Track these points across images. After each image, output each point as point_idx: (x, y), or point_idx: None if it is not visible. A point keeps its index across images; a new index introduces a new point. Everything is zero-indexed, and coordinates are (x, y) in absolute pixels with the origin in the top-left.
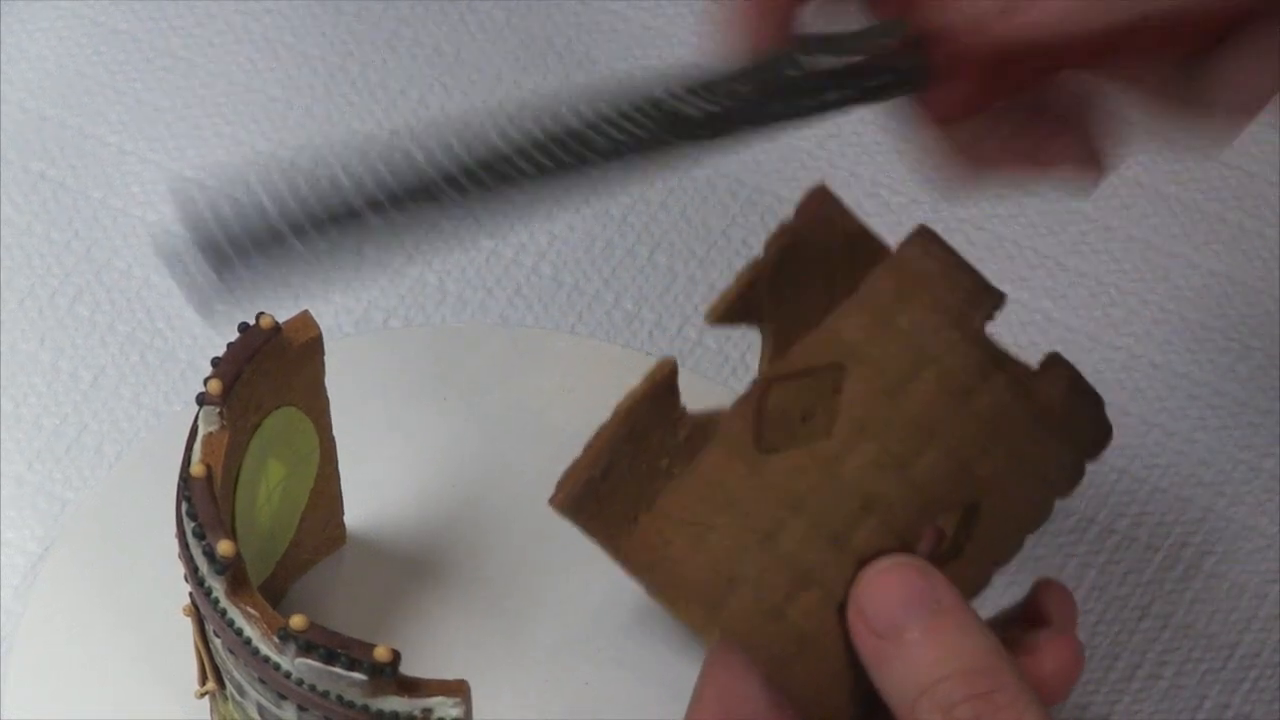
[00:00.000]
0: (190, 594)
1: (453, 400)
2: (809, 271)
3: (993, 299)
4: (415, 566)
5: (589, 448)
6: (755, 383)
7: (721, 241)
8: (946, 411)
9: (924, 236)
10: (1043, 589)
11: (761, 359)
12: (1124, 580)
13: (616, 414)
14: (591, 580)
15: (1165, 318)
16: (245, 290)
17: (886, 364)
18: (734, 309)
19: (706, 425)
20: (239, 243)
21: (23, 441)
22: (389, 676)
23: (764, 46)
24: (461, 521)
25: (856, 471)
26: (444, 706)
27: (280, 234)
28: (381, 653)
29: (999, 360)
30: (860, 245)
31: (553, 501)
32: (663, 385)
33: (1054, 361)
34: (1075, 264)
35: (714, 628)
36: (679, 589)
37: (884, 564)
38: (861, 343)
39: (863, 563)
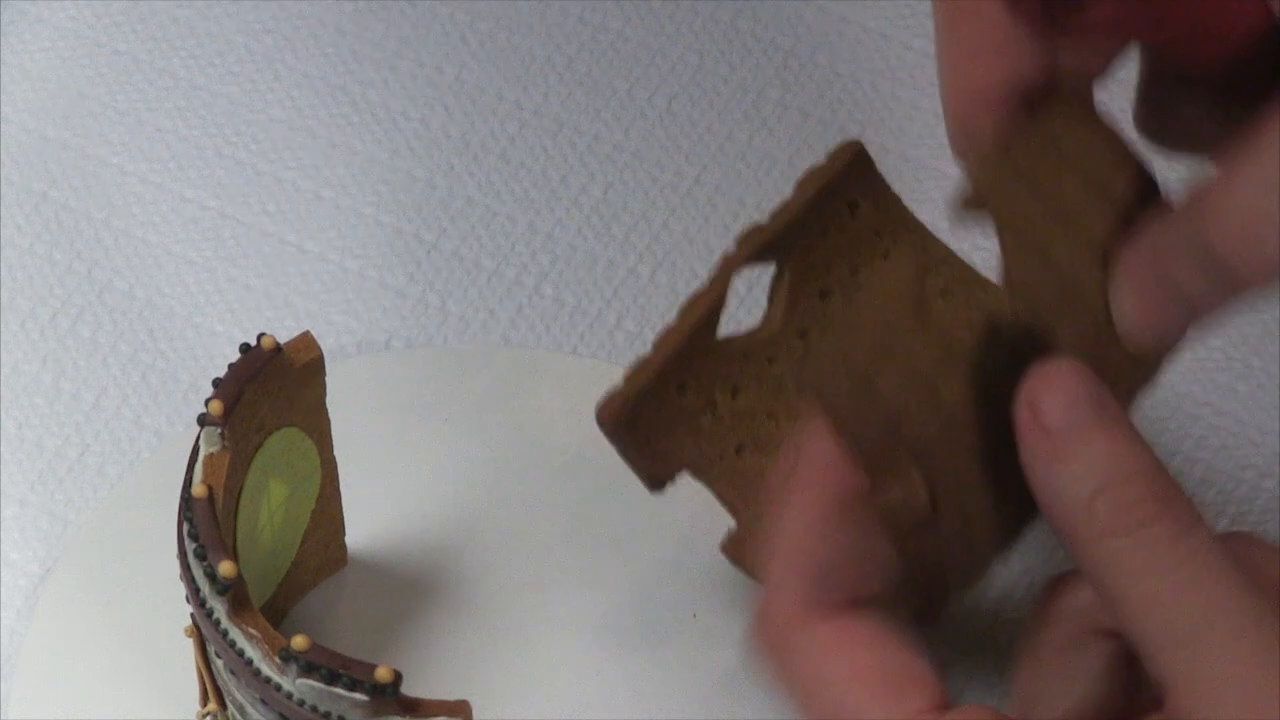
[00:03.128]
0: (192, 614)
1: (455, 421)
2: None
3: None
4: (417, 587)
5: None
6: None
7: None
8: (1092, 281)
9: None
10: None
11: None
12: None
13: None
14: (593, 600)
15: None
16: None
17: (1030, 222)
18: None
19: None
20: None
21: (25, 462)
22: (391, 697)
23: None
24: (463, 542)
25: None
26: None
27: None
28: (383, 673)
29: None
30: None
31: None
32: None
33: None
34: None
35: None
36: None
37: (1059, 364)
38: (1003, 200)
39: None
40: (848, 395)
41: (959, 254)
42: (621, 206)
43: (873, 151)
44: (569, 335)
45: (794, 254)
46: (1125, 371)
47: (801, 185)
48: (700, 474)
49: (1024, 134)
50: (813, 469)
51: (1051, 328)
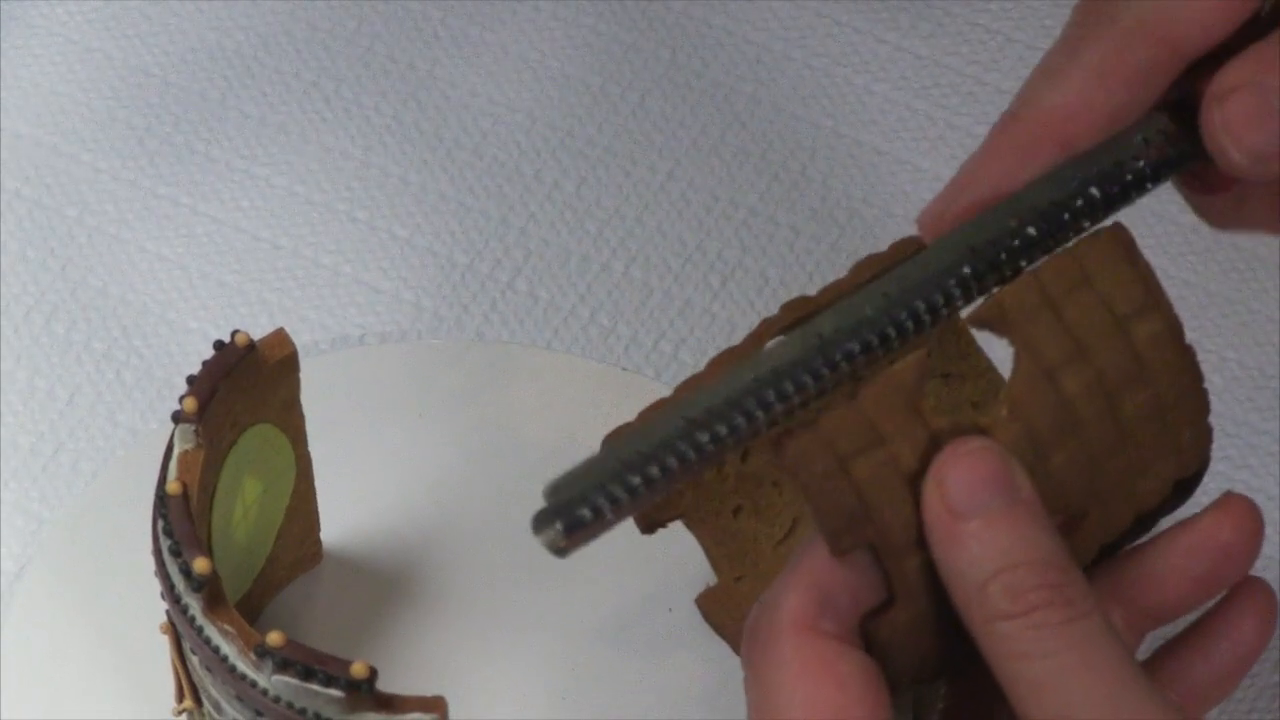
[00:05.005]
0: (167, 611)
1: (429, 416)
2: None
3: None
4: (392, 583)
5: None
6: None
7: (697, 256)
8: (1092, 411)
9: (1115, 236)
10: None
11: None
12: None
13: None
14: (568, 595)
15: None
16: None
17: (1045, 347)
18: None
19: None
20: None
21: None
22: (366, 693)
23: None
24: (438, 537)
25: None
26: None
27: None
28: (358, 669)
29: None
30: None
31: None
32: None
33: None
34: None
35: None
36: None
37: (970, 444)
38: (1023, 322)
39: None
40: (822, 476)
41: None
42: (595, 202)
43: (845, 146)
44: (543, 330)
45: None
46: (1114, 508)
47: (857, 269)
48: (694, 526)
49: (1059, 263)
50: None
51: (1044, 453)
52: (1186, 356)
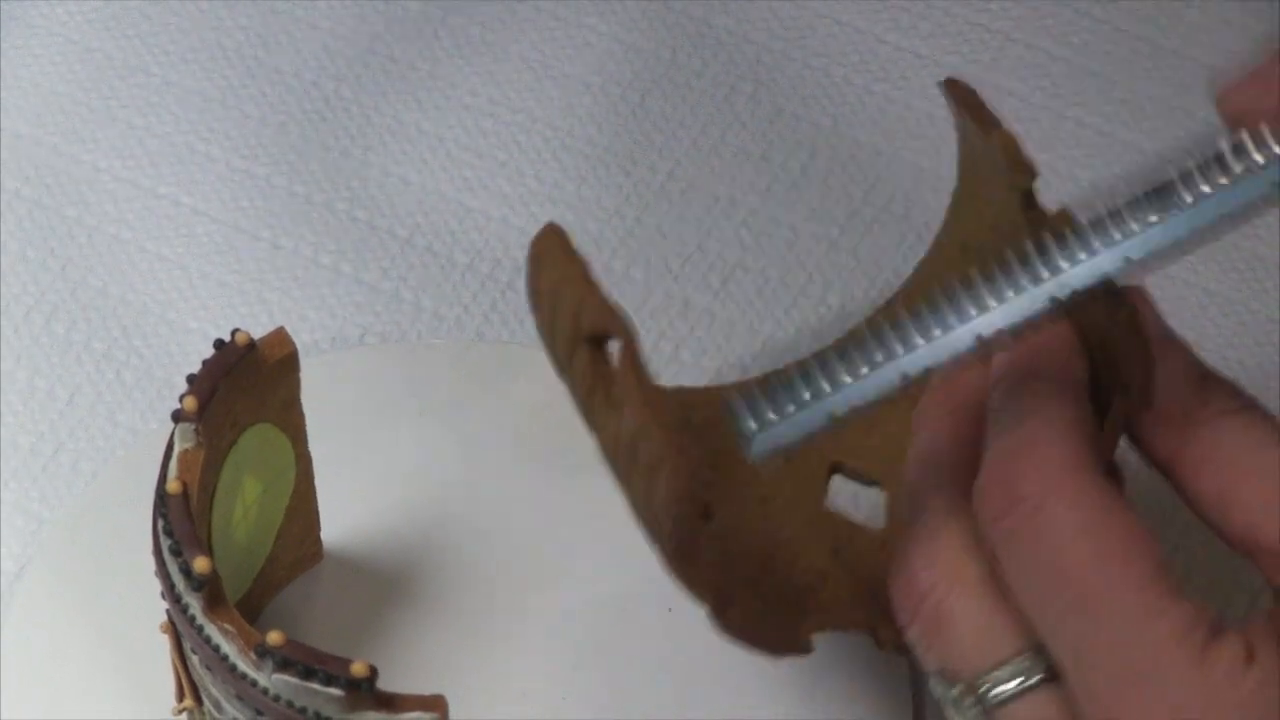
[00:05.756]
0: (167, 611)
1: (429, 416)
2: None
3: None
4: (392, 582)
5: None
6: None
7: (696, 256)
8: None
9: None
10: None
11: None
12: None
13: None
14: (568, 594)
15: None
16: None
17: None
18: None
19: None
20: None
21: None
22: (366, 692)
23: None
24: (439, 537)
25: None
26: None
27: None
28: (359, 668)
29: None
30: None
31: None
32: None
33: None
34: None
35: None
36: None
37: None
38: None
39: None
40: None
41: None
42: (595, 202)
43: (845, 146)
44: None
45: None
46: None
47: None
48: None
49: None
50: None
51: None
52: None
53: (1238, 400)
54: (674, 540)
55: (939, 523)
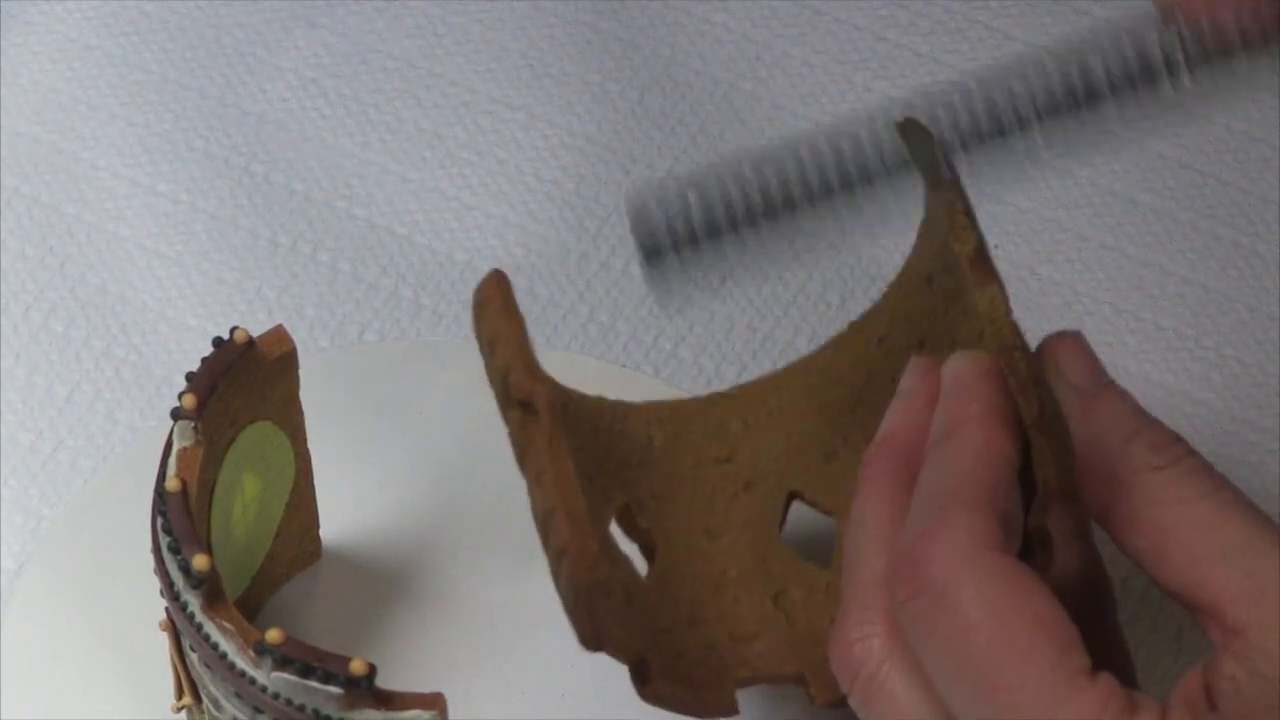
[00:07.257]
0: (166, 609)
1: (428, 414)
2: None
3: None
4: (392, 580)
5: None
6: None
7: None
8: None
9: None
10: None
11: None
12: None
13: None
14: None
15: (1140, 326)
16: (677, 281)
17: None
18: None
19: None
20: (677, 236)
21: None
22: (365, 689)
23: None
24: (437, 535)
25: None
26: (420, 719)
27: (717, 229)
28: (357, 666)
29: None
30: None
31: None
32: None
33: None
34: (1048, 273)
35: None
36: None
37: (1063, 335)
38: None
39: None
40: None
41: None
42: (594, 200)
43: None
44: (542, 328)
45: None
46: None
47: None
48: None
49: None
50: (983, 406)
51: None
52: None
53: (1164, 455)
54: (577, 623)
55: (874, 593)
